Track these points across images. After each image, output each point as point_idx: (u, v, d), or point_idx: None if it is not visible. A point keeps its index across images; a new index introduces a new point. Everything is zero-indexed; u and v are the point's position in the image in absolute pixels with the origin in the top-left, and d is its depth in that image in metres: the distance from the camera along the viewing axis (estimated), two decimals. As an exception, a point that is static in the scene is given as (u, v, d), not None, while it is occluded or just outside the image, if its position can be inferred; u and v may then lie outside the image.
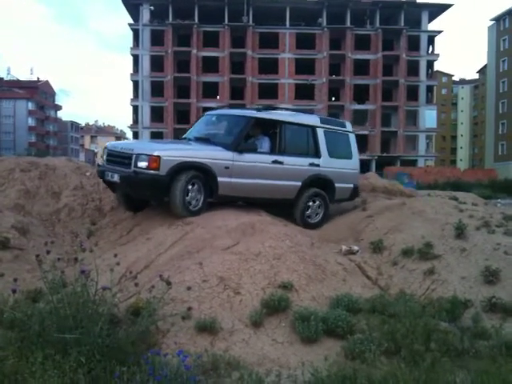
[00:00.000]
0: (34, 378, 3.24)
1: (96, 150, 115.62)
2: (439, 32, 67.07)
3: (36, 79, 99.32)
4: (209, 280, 5.41)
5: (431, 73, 67.42)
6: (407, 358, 4.23)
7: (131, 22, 65.14)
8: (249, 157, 8.23)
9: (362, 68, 63.32)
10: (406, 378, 3.43)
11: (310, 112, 10.36)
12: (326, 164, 9.36)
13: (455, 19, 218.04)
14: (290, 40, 63.62)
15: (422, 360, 4.07)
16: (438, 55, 67.21)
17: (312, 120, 9.61)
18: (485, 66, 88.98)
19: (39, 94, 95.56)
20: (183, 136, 9.54)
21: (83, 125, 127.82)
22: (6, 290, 4.62)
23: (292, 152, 8.93)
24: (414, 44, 64.24)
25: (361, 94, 63.83)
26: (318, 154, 9.31)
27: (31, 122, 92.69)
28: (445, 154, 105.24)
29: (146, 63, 62.56)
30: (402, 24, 64.21)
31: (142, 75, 62.09)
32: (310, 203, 9.11)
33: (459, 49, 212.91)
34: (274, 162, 8.57)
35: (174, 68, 63.03)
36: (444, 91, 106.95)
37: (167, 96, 62.37)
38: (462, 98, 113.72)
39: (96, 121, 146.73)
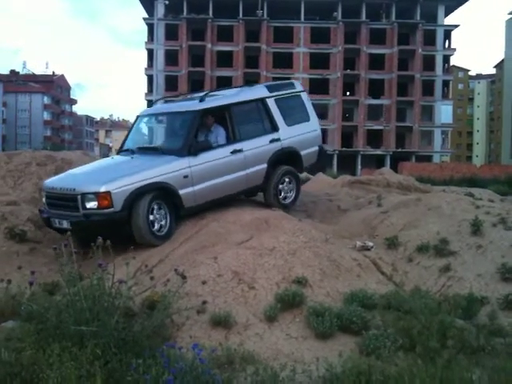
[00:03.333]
0: (51, 369, 3.28)
1: (111, 145, 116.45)
2: (455, 26, 66.37)
3: (51, 73, 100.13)
4: (223, 274, 5.44)
5: (447, 67, 66.74)
6: (423, 354, 4.20)
7: (146, 16, 65.31)
8: (206, 156, 7.41)
9: (377, 62, 62.86)
10: (422, 374, 3.41)
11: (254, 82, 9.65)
12: (287, 135, 8.53)
13: (472, 13, 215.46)
14: (304, 34, 63.34)
15: (438, 357, 4.04)
16: (454, 50, 66.51)
17: (259, 92, 8.63)
18: (502, 61, 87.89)
19: (55, 88, 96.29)
20: (123, 147, 8.35)
21: (98, 119, 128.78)
22: (23, 282, 4.67)
23: (249, 134, 8.15)
24: (429, 38, 63.57)
25: (376, 88, 63.39)
26: (275, 128, 8.46)
27: (47, 116, 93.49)
28: (461, 149, 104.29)
29: (160, 58, 62.61)
30: (418, 18, 63.60)
31: (157, 69, 62.01)
32: (281, 185, 8.46)
33: (476, 43, 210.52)
34: (234, 152, 7.77)
35: (188, 62, 63.13)
36: (460, 86, 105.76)
37: (182, 90, 62.45)
38: (479, 93, 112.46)
39: (111, 115, 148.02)
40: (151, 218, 6.70)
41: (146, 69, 64.35)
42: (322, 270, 5.93)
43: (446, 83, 65.96)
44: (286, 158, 8.56)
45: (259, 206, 8.06)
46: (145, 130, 8.94)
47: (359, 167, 60.78)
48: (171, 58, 62.95)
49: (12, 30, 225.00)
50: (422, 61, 63.38)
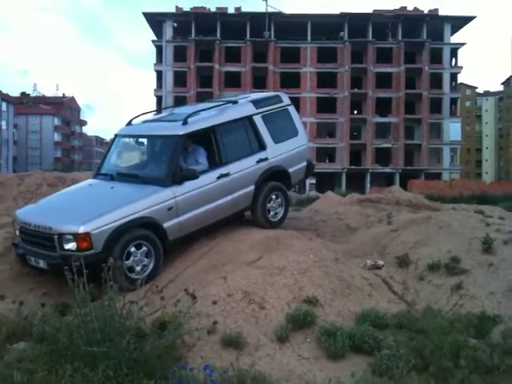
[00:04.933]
0: (63, 390, 3.28)
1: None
2: (462, 44, 66.68)
3: (62, 95, 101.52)
4: (233, 294, 5.43)
5: (455, 85, 66.89)
6: (436, 374, 4.16)
7: (154, 38, 66.24)
8: (191, 184, 6.90)
9: (384, 81, 63.17)
10: (436, 395, 3.37)
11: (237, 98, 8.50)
12: (274, 153, 8.07)
13: (478, 31, 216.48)
14: (311, 54, 63.90)
15: (451, 377, 4.00)
16: (461, 68, 66.72)
17: (245, 110, 8.04)
18: (509, 78, 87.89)
19: (65, 109, 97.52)
20: (101, 170, 7.80)
21: (108, 140, 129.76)
22: (35, 303, 4.69)
23: (235, 156, 7.62)
24: (436, 57, 63.91)
25: (383, 106, 63.59)
26: (262, 146, 7.97)
27: (57, 137, 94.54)
28: (470, 166, 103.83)
29: (169, 79, 63.52)
30: (425, 37, 64.00)
31: (166, 91, 63.10)
32: (270, 203, 8.06)
33: (483, 61, 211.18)
34: (220, 176, 7.30)
35: (196, 83, 63.77)
36: (468, 103, 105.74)
37: (190, 111, 62.97)
38: (487, 110, 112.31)
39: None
40: (131, 256, 6.19)
41: (155, 90, 65.04)
42: (332, 289, 5.90)
43: (453, 101, 66.07)
44: (274, 178, 8.16)
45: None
46: (124, 151, 8.36)
47: (368, 185, 60.66)
48: (180, 79, 63.63)
49: (22, 52, 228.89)
50: (430, 79, 63.62)
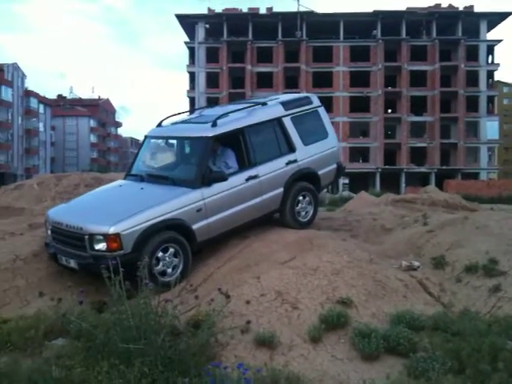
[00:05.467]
0: (100, 386, 3.35)
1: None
2: (499, 41, 65.06)
3: (97, 97, 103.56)
4: (266, 294, 5.43)
5: (491, 83, 65.35)
6: (473, 377, 4.07)
7: (187, 40, 66.89)
8: (219, 186, 6.91)
9: (418, 79, 62.16)
10: (473, 398, 3.30)
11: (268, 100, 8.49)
12: (304, 155, 8.03)
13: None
14: (344, 53, 63.42)
15: (489, 380, 3.91)
16: (498, 65, 65.17)
17: (275, 111, 7.99)
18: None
19: (100, 111, 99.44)
20: (131, 171, 7.94)
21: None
22: (72, 300, 4.80)
23: (264, 158, 7.61)
24: (472, 54, 62.53)
25: (418, 105, 62.60)
26: (292, 148, 7.94)
27: (93, 138, 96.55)
28: (508, 166, 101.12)
29: (201, 80, 64.04)
30: (460, 34, 62.70)
31: (198, 92, 63.60)
32: (299, 204, 8.01)
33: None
34: (249, 178, 7.29)
35: (229, 84, 64.09)
36: (506, 101, 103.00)
37: (222, 111, 63.33)
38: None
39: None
40: (159, 261, 6.23)
41: (188, 91, 65.67)
42: (366, 290, 5.84)
43: (490, 99, 64.53)
44: (304, 180, 8.13)
45: (301, 226, 8.02)
46: (154, 152, 8.45)
47: (403, 185, 59.85)
48: (212, 80, 64.06)
49: (58, 55, 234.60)
50: (465, 77, 62.30)
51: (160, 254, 6.22)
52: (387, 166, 63.03)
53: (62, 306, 4.93)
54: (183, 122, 8.26)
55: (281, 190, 7.72)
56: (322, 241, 7.00)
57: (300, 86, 62.55)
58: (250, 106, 8.00)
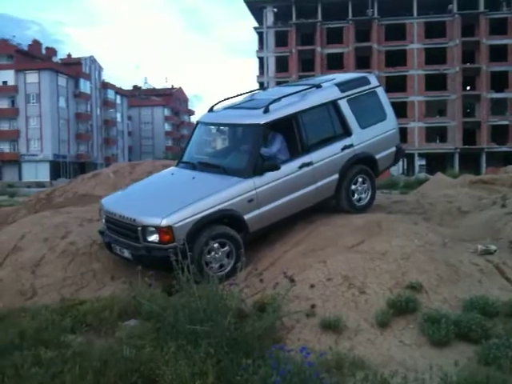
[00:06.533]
0: (167, 366, 3.48)
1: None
2: None
3: (170, 87, 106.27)
4: (333, 278, 5.39)
5: None
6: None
7: (256, 25, 66.94)
8: (272, 175, 6.70)
9: (499, 54, 58.83)
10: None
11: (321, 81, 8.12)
12: (361, 139, 7.62)
13: None
14: (418, 30, 61.12)
15: None
16: None
17: (330, 94, 7.57)
18: None
19: (174, 100, 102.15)
20: (184, 158, 7.79)
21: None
22: (143, 284, 4.99)
23: (318, 143, 7.31)
24: (560, 23, 58.25)
25: (499, 81, 59.26)
26: (348, 132, 7.55)
27: (167, 127, 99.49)
28: None
29: (271, 64, 64.03)
30: (546, 2, 58.57)
31: (268, 76, 63.56)
32: (354, 186, 7.62)
33: None
34: (302, 166, 7.02)
35: (298, 67, 63.60)
36: None
37: (293, 96, 63.05)
38: None
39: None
40: (211, 251, 6.13)
41: (257, 76, 65.85)
42: (438, 275, 5.65)
43: None
44: (360, 163, 7.74)
45: (370, 209, 7.86)
46: (206, 139, 8.24)
47: (484, 166, 57.15)
48: (281, 64, 63.83)
49: (133, 47, 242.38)
50: (552, 48, 58.20)
51: (216, 245, 6.16)
52: (466, 146, 60.39)
53: (134, 288, 5.13)
54: (235, 107, 7.99)
55: (336, 176, 7.41)
56: (391, 224, 6.83)
57: (372, 65, 60.97)
58: (303, 90, 7.61)
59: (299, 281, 5.12)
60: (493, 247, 6.81)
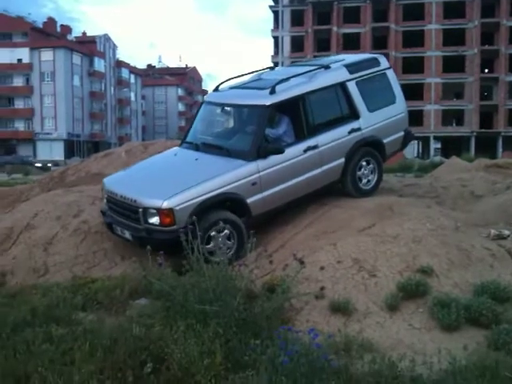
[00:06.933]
0: (175, 344, 3.51)
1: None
2: None
3: (184, 66, 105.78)
4: (343, 261, 5.38)
5: None
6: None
7: (271, 4, 66.14)
8: (276, 158, 6.57)
9: (519, 35, 57.60)
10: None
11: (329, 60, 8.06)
12: (368, 123, 7.45)
13: None
14: (436, 10, 59.94)
15: None
16: None
17: (338, 75, 7.39)
18: None
19: (188, 80, 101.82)
20: (187, 138, 7.66)
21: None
22: (153, 263, 5.01)
23: (324, 127, 7.15)
24: None
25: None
26: (355, 115, 7.39)
27: (181, 107, 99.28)
28: None
29: (286, 44, 63.39)
30: None
31: (283, 56, 62.95)
32: (361, 171, 7.50)
33: None
34: (307, 149, 6.87)
35: (314, 47, 62.91)
36: None
37: (307, 76, 62.49)
38: None
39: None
40: (211, 240, 6.00)
41: (272, 56, 65.29)
42: (449, 259, 5.61)
43: None
44: (367, 146, 7.59)
45: (381, 192, 7.81)
46: (210, 118, 8.09)
47: (500, 150, 56.40)
48: (297, 43, 63.19)
49: (147, 26, 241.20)
50: None
51: (213, 233, 6.02)
52: (483, 130, 59.56)
53: (144, 267, 5.16)
54: (241, 86, 7.79)
55: (342, 160, 7.26)
56: (403, 208, 6.78)
57: (389, 46, 60.10)
58: (311, 70, 7.43)
59: (309, 263, 5.11)
60: (506, 232, 6.75)
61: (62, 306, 4.79)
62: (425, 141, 60.98)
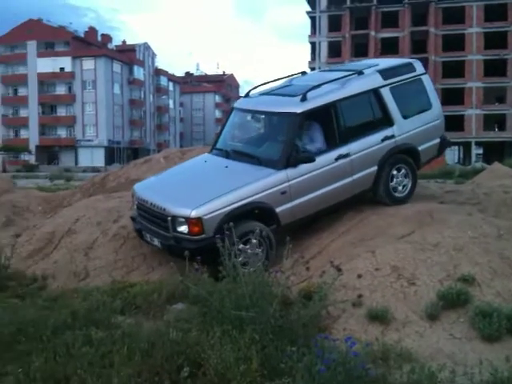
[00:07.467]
0: (212, 350, 3.52)
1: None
2: None
3: (222, 73, 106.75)
4: (381, 269, 5.29)
5: None
6: None
7: (309, 9, 66.12)
8: (306, 167, 6.45)
9: None
10: None
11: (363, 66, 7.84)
12: (403, 130, 7.25)
13: None
14: (477, 13, 58.78)
15: None
16: None
17: (372, 82, 7.19)
18: None
19: (225, 87, 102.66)
20: (217, 145, 7.56)
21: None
22: (190, 269, 5.05)
23: (357, 134, 6.97)
24: None
25: None
26: (389, 122, 7.20)
27: (218, 114, 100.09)
28: None
29: (323, 50, 63.17)
30: None
31: (320, 62, 62.59)
32: (394, 179, 7.28)
33: None
34: (339, 157, 6.73)
35: (351, 52, 62.54)
36: None
37: (345, 82, 62.12)
38: None
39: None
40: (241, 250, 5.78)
41: (309, 62, 65.23)
42: (492, 268, 5.45)
43: None
44: (401, 153, 7.39)
45: (421, 199, 7.66)
46: (240, 125, 7.97)
47: (544, 155, 54.62)
48: (334, 49, 62.96)
49: (186, 34, 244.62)
50: None
51: (241, 246, 5.85)
52: (526, 135, 57.87)
53: (182, 273, 5.21)
54: (271, 93, 7.66)
55: (374, 168, 7.08)
56: (443, 215, 6.64)
57: (428, 50, 59.18)
58: (344, 76, 7.27)
59: (346, 270, 5.05)
60: (551, 240, 6.51)
61: (102, 309, 4.88)
62: (466, 146, 59.65)
